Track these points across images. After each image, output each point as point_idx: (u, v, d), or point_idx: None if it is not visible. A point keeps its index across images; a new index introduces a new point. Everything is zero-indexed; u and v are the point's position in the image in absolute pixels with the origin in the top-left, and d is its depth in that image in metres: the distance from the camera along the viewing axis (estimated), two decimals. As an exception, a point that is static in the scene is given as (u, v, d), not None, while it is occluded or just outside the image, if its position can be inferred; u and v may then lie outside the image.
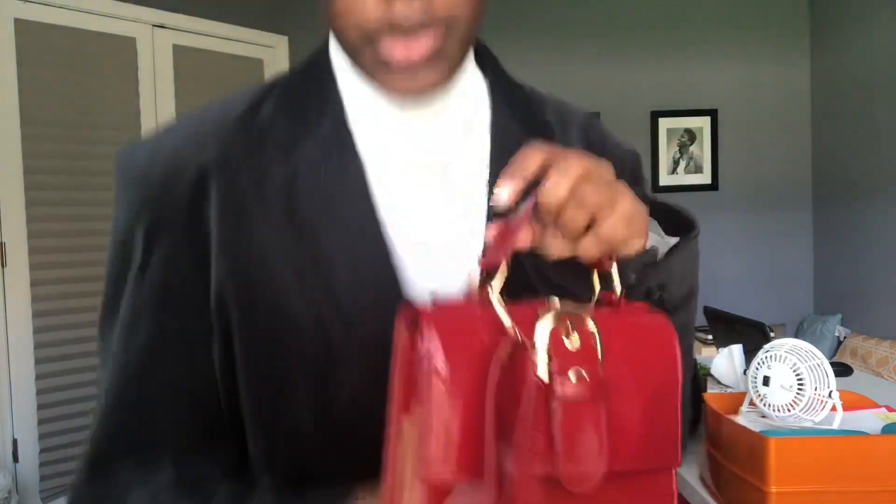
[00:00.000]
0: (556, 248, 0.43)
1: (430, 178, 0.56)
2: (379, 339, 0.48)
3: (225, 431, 0.55)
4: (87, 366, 2.65)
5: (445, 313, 0.41)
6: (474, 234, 0.56)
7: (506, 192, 0.42)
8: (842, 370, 2.05)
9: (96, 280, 2.68)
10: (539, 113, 0.62)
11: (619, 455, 0.40)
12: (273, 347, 0.52)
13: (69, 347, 2.64)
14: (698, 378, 1.54)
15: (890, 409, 1.23)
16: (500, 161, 0.55)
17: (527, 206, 0.42)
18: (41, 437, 2.63)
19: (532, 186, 0.43)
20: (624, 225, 0.43)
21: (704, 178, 3.78)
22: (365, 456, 0.48)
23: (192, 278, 0.53)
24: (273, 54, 3.32)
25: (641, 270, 0.51)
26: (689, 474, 1.30)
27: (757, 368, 1.17)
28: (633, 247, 0.45)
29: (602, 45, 3.74)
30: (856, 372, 2.18)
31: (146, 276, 0.53)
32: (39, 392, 2.63)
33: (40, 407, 2.63)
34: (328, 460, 0.53)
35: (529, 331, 0.39)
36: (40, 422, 2.63)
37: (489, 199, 0.52)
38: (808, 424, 1.12)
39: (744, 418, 1.19)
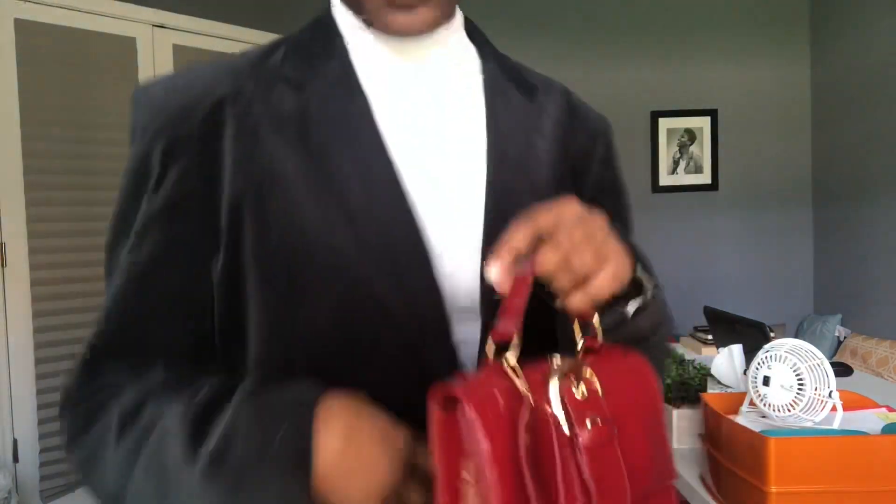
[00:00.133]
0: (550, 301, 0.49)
1: (428, 116, 0.61)
2: (388, 242, 0.55)
3: (213, 350, 0.58)
4: (87, 366, 2.65)
5: (474, 390, 0.45)
6: (474, 174, 0.61)
7: (496, 271, 0.46)
8: (842, 370, 2.05)
9: (96, 280, 2.69)
10: (526, 77, 0.68)
11: (636, 479, 0.46)
12: (288, 257, 0.55)
13: (69, 347, 2.64)
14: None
15: (890, 409, 1.23)
16: (493, 106, 0.63)
17: (525, 271, 0.47)
18: (41, 437, 2.63)
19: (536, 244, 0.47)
20: (611, 282, 0.48)
21: (704, 178, 3.78)
22: (381, 366, 0.55)
23: (203, 196, 0.56)
24: (273, 54, 3.32)
25: (613, 330, 0.55)
26: (689, 474, 1.30)
27: (757, 368, 1.17)
28: (615, 292, 0.49)
29: (602, 45, 3.74)
30: (856, 372, 2.18)
31: (160, 191, 0.56)
32: (39, 392, 2.63)
33: (40, 407, 2.63)
34: (345, 369, 0.55)
35: (542, 390, 0.45)
36: (40, 422, 2.63)
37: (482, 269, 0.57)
38: (808, 424, 1.12)
39: (744, 418, 1.19)
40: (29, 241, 2.59)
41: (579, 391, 0.46)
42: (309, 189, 0.55)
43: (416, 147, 0.59)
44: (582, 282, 0.47)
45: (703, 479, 1.26)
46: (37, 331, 2.62)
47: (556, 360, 0.48)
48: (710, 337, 2.55)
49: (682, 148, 3.78)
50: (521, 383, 0.45)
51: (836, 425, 1.10)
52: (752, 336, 1.85)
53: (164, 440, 0.49)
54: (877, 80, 3.24)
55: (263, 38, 3.27)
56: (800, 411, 1.11)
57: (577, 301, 0.47)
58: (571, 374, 0.46)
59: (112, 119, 2.78)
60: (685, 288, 3.71)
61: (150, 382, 0.54)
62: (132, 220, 0.57)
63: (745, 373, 1.55)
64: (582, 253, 0.46)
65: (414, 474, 0.49)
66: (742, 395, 1.24)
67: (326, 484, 0.46)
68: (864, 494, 1.00)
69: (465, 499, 0.44)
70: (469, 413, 0.43)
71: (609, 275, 0.47)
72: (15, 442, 2.58)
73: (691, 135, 3.77)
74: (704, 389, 1.48)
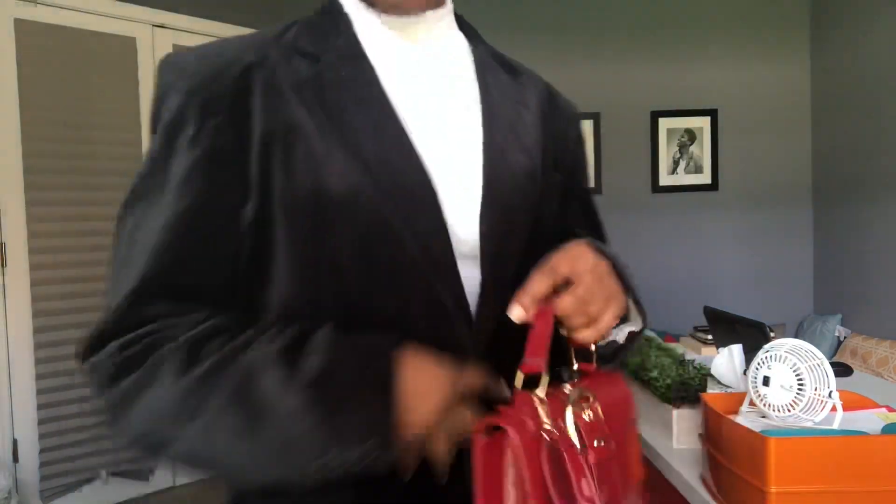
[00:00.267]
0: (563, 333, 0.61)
1: (427, 83, 0.69)
2: (401, 187, 0.62)
3: (236, 295, 0.63)
4: (87, 366, 2.65)
5: (511, 419, 0.55)
6: (470, 136, 0.69)
7: (518, 311, 0.58)
8: (842, 370, 2.05)
9: (96, 280, 2.69)
10: (509, 62, 0.78)
11: (628, 479, 0.59)
12: (312, 200, 0.61)
13: (69, 347, 2.64)
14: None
15: (890, 409, 1.23)
16: (484, 79, 0.72)
17: (546, 311, 0.57)
18: (41, 437, 2.63)
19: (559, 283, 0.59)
20: (614, 320, 0.61)
21: (704, 178, 3.78)
22: (398, 298, 0.63)
23: (237, 148, 0.62)
24: (273, 54, 3.32)
25: (608, 356, 0.69)
26: (689, 474, 1.30)
27: (757, 368, 1.17)
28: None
29: (602, 45, 3.74)
30: (856, 372, 2.18)
31: (200, 140, 0.61)
32: (39, 392, 2.63)
33: (40, 407, 2.63)
34: (365, 301, 0.63)
35: (560, 413, 0.56)
36: (40, 422, 2.63)
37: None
38: (808, 424, 1.12)
39: (744, 418, 1.19)
40: (29, 241, 2.59)
41: (586, 413, 0.56)
42: (328, 142, 0.61)
43: (420, 109, 0.67)
44: (592, 321, 0.59)
45: (703, 479, 1.26)
46: (37, 331, 2.62)
47: (568, 388, 0.59)
48: (709, 337, 2.55)
49: (682, 148, 3.78)
50: (544, 414, 0.55)
51: (836, 425, 1.10)
52: (752, 336, 1.85)
53: (252, 372, 0.56)
54: (877, 79, 3.24)
55: (263, 38, 3.27)
56: (800, 411, 1.11)
57: (585, 336, 0.60)
58: (582, 402, 0.56)
59: (112, 119, 2.78)
60: (685, 288, 3.71)
61: (197, 319, 0.59)
62: (165, 170, 0.61)
63: (744, 373, 1.55)
64: (596, 300, 0.59)
65: (461, 399, 0.61)
66: (742, 395, 1.24)
67: (404, 403, 0.57)
68: (864, 494, 0.99)
69: None
70: (514, 439, 0.53)
71: (613, 314, 0.61)
72: (15, 442, 2.59)
73: (691, 135, 3.78)
74: (704, 389, 1.48)
